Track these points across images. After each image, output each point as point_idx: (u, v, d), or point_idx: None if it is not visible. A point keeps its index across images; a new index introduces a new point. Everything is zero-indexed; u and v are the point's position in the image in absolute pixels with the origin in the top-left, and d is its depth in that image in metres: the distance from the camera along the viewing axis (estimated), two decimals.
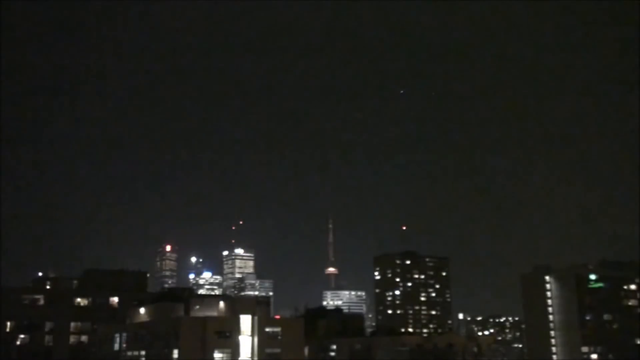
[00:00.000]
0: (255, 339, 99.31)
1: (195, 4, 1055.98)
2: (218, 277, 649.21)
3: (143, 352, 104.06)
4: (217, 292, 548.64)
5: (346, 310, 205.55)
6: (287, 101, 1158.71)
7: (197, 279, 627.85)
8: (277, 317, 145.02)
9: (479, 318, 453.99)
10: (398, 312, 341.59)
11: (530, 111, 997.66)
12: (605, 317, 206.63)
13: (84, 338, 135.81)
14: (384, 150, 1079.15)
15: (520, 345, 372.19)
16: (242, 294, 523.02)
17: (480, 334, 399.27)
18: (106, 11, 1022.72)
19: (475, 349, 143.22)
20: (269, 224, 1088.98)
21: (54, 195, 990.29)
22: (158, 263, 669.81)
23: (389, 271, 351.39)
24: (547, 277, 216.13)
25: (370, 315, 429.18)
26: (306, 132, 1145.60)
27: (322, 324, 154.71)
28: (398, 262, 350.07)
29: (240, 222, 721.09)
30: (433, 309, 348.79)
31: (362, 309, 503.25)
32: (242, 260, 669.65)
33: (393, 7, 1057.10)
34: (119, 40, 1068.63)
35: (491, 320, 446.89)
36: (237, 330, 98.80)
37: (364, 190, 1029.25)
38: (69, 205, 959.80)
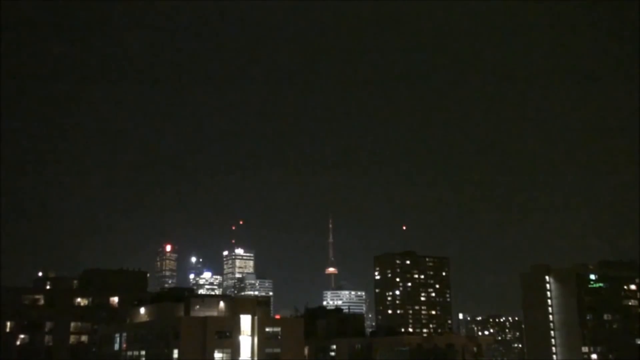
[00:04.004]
0: (255, 339, 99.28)
1: (197, 4, 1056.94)
2: (218, 277, 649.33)
3: (143, 352, 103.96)
4: (217, 292, 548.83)
5: (346, 310, 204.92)
6: (287, 101, 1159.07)
7: (197, 279, 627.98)
8: (277, 317, 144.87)
9: (479, 318, 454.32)
10: (398, 312, 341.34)
11: (530, 111, 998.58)
12: (605, 317, 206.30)
13: (84, 338, 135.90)
14: (384, 150, 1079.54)
15: (520, 345, 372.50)
16: (242, 294, 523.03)
17: (480, 334, 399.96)
18: (109, 10, 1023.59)
19: (475, 349, 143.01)
20: (269, 224, 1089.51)
21: (54, 195, 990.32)
22: (158, 263, 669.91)
23: (389, 271, 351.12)
24: (547, 277, 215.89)
25: (370, 315, 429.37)
26: (306, 131, 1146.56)
27: (322, 324, 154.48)
28: (398, 262, 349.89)
29: (241, 222, 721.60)
30: (433, 309, 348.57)
31: (362, 309, 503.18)
32: (242, 260, 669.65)
33: (394, 7, 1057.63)
34: (120, 39, 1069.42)
35: (491, 320, 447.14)
36: (237, 330, 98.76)
37: (364, 190, 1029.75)
38: (69, 205, 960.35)
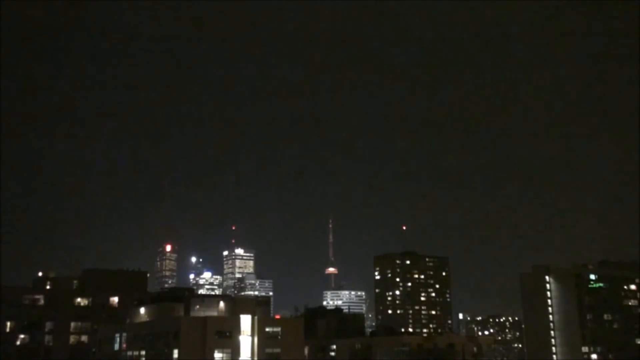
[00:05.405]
0: (255, 339, 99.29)
1: (196, 3, 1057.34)
2: (218, 277, 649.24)
3: (143, 352, 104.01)
4: (217, 292, 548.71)
5: (346, 310, 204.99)
6: (287, 101, 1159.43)
7: (197, 279, 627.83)
8: (277, 317, 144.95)
9: (479, 318, 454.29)
10: (398, 312, 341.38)
11: (531, 110, 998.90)
12: (605, 317, 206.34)
13: (84, 338, 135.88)
14: (384, 150, 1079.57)
15: (520, 345, 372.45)
16: (242, 294, 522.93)
17: (480, 334, 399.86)
18: (108, 10, 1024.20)
19: (475, 349, 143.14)
20: (269, 224, 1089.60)
21: (54, 195, 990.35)
22: (158, 263, 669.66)
23: (389, 271, 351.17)
24: (547, 277, 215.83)
25: (370, 315, 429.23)
26: (306, 132, 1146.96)
27: (322, 324, 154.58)
28: (398, 262, 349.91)
29: (241, 223, 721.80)
30: (433, 309, 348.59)
31: (362, 309, 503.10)
32: (242, 260, 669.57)
33: (394, 7, 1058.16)
34: (120, 39, 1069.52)
35: (491, 320, 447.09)
36: (237, 330, 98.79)
37: (364, 190, 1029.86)
38: (69, 205, 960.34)
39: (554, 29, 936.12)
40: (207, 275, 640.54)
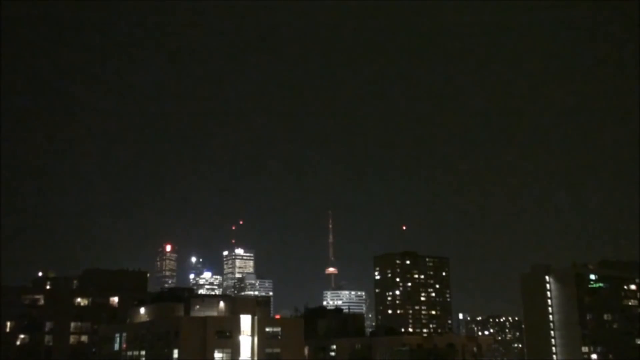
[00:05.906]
0: (255, 339, 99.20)
1: (196, 3, 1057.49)
2: (218, 277, 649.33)
3: (143, 352, 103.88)
4: (217, 292, 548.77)
5: (346, 310, 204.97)
6: (287, 100, 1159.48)
7: (197, 279, 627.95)
8: (277, 317, 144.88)
9: (479, 318, 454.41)
10: (398, 312, 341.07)
11: (530, 110, 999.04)
12: (605, 317, 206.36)
13: (84, 338, 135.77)
14: (384, 150, 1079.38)
15: (520, 345, 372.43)
16: (242, 294, 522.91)
17: (480, 334, 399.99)
18: (107, 9, 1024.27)
19: (475, 349, 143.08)
20: (269, 224, 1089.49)
21: (53, 195, 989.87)
22: (158, 263, 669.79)
23: (389, 271, 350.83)
24: (547, 277, 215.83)
25: (370, 315, 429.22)
26: (306, 131, 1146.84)
27: (322, 324, 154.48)
28: (398, 262, 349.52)
29: (241, 222, 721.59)
30: (433, 309, 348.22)
31: (362, 309, 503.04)
32: (242, 260, 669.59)
33: (394, 7, 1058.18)
34: (119, 38, 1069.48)
35: (491, 320, 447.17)
36: (237, 330, 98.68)
37: (364, 190, 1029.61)
38: (68, 205, 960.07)
39: (554, 30, 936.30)
40: (207, 275, 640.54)
